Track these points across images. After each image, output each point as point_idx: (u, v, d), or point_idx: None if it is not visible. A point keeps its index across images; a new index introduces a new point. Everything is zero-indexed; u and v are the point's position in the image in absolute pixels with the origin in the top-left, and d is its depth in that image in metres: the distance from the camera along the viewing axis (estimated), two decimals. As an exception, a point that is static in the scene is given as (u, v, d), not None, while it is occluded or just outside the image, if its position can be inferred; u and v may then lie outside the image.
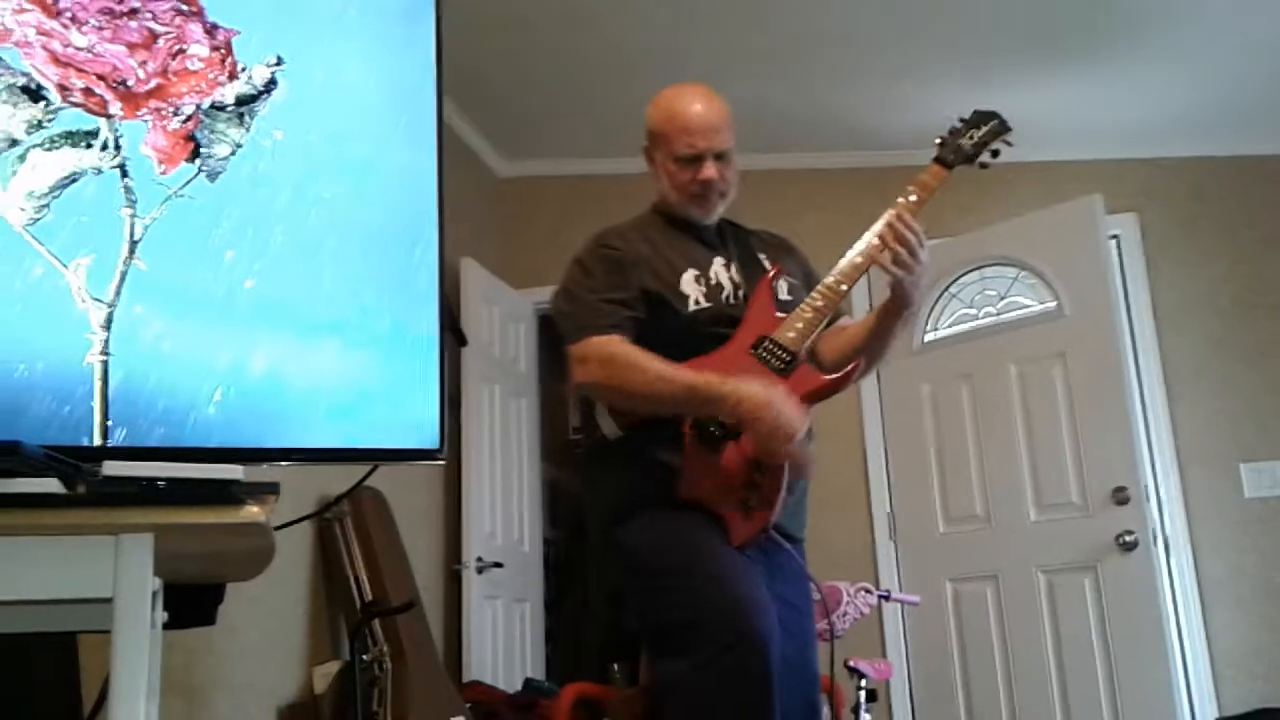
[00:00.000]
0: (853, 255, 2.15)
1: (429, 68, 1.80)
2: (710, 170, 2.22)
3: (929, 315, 4.47)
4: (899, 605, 4.12)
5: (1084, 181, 4.29)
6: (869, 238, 2.13)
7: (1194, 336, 4.35)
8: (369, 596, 3.17)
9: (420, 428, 1.65)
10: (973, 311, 4.42)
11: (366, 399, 1.62)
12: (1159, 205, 4.48)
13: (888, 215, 2.11)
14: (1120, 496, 3.86)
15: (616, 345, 2.11)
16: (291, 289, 1.58)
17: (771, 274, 2.25)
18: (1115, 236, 4.39)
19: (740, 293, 2.23)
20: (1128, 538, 3.81)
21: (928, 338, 4.48)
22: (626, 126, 4.44)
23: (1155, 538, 3.90)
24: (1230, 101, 4.18)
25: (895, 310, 2.15)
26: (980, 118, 2.29)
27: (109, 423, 1.39)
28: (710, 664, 1.92)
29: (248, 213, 1.54)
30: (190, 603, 1.61)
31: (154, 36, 1.43)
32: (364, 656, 3.04)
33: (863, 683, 3.42)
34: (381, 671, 3.06)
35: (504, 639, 4.24)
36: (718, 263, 2.27)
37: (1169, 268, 4.43)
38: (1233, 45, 3.82)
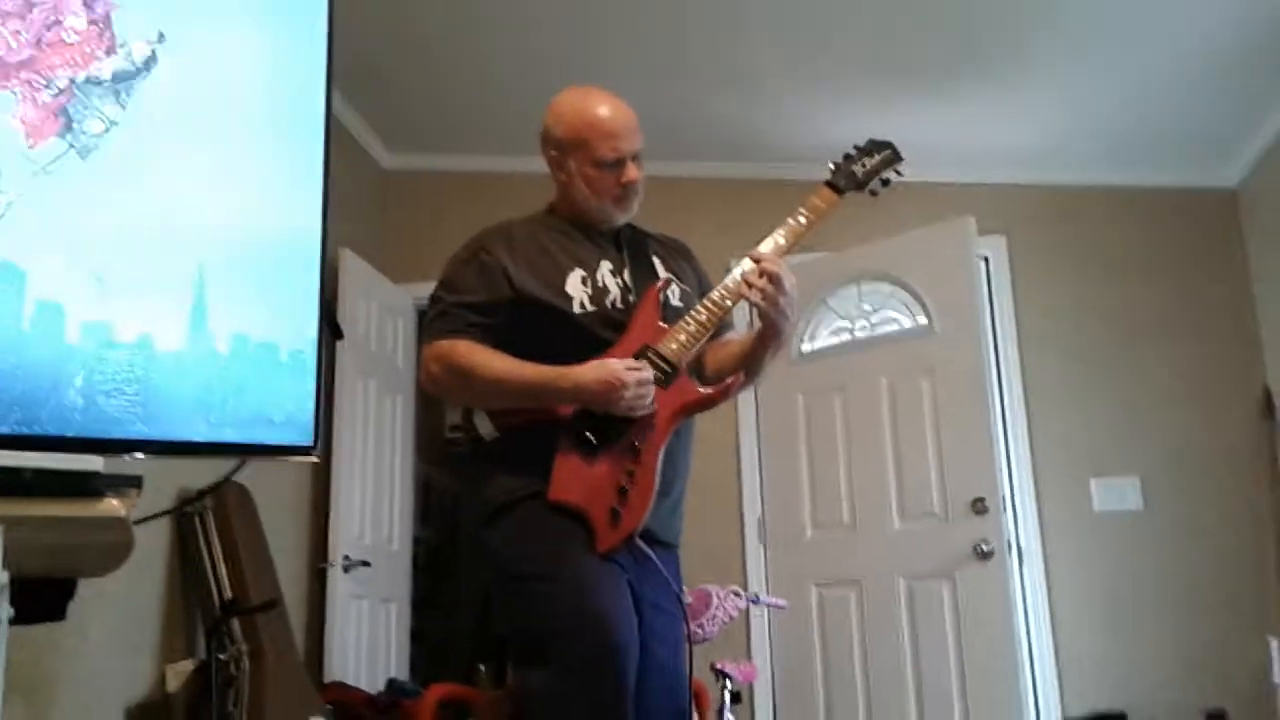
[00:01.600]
0: (737, 272, 2.18)
1: (319, 53, 1.76)
2: (634, 172, 2.22)
3: (806, 326, 4.56)
4: (766, 608, 4.19)
5: (958, 203, 4.44)
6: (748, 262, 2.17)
7: (1053, 356, 4.55)
8: (229, 594, 3.07)
9: (293, 422, 1.60)
10: (848, 325, 4.53)
11: (237, 390, 1.57)
12: (1026, 229, 4.67)
13: (750, 254, 2.14)
14: (979, 507, 4.00)
15: (460, 348, 2.12)
16: (161, 273, 1.51)
17: (661, 283, 2.26)
18: (985, 257, 4.56)
19: (630, 298, 2.23)
20: (984, 547, 3.95)
21: (804, 348, 4.57)
22: (517, 125, 4.43)
23: (1010, 547, 4.05)
24: (1097, 133, 4.39)
25: (765, 340, 2.20)
26: (874, 146, 2.34)
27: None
28: (567, 674, 1.93)
29: (119, 192, 1.48)
30: (38, 597, 1.53)
31: (29, 6, 1.35)
32: (221, 655, 2.94)
33: (728, 684, 3.48)
34: (239, 671, 2.96)
35: (368, 639, 4.16)
36: (605, 266, 2.26)
37: (1033, 289, 4.62)
38: (1102, 79, 4.01)
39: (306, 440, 1.62)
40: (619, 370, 2.04)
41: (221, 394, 1.54)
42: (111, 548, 1.34)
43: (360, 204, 4.73)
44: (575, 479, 2.04)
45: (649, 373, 2.07)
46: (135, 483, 1.28)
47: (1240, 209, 4.58)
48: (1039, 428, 4.49)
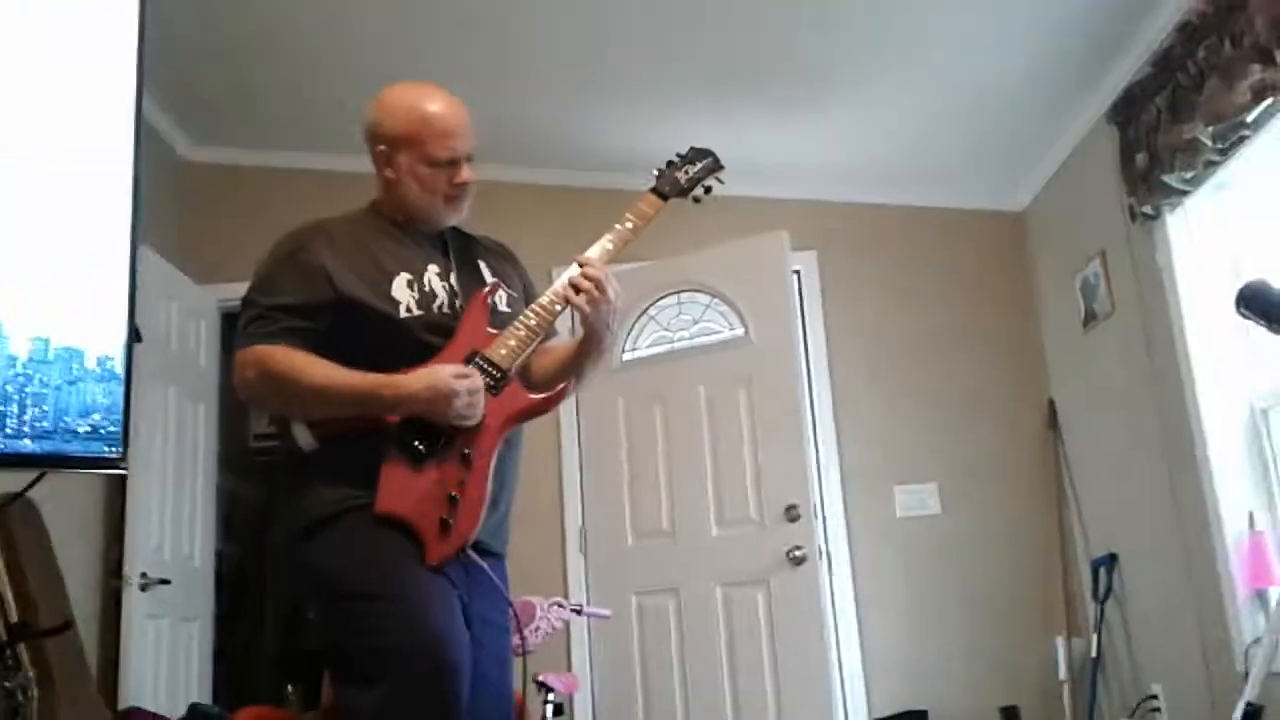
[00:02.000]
0: (564, 278, 2.17)
1: (128, 36, 1.64)
2: (469, 173, 2.18)
3: (628, 335, 4.60)
4: (588, 619, 4.19)
5: (772, 218, 4.57)
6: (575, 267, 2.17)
7: (859, 368, 4.74)
8: (14, 617, 2.83)
9: (100, 433, 1.49)
10: (669, 334, 4.60)
11: (36, 399, 1.45)
12: (835, 245, 4.86)
13: (577, 259, 2.15)
14: (792, 514, 4.12)
15: (278, 354, 2.03)
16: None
17: (489, 288, 2.22)
18: (797, 271, 4.71)
19: (456, 302, 2.18)
20: (797, 552, 4.08)
21: (626, 357, 4.61)
22: (329, 121, 4.32)
23: (820, 553, 4.20)
24: (900, 155, 4.62)
25: (587, 349, 2.21)
26: (696, 154, 2.38)
27: None
28: (399, 695, 1.86)
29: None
30: None
31: None
32: (6, 683, 2.71)
33: (550, 697, 3.46)
34: (26, 699, 2.73)
35: (168, 660, 3.93)
36: (432, 270, 2.21)
37: (841, 303, 4.81)
38: (906, 104, 4.22)
39: (114, 451, 1.51)
40: (448, 379, 1.99)
41: (19, 402, 1.41)
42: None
43: (159, 199, 4.47)
44: (403, 489, 1.98)
45: (479, 380, 2.03)
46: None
47: (1027, 231, 4.90)
48: (845, 436, 4.67)
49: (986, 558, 4.54)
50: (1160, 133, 3.55)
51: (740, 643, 4.15)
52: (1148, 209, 3.72)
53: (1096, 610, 4.25)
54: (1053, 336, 4.72)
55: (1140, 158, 3.70)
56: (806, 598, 4.06)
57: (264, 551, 5.77)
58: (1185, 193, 3.57)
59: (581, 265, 2.14)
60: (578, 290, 2.11)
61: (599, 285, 2.12)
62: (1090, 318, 4.33)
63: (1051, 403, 4.68)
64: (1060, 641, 4.35)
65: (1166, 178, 3.54)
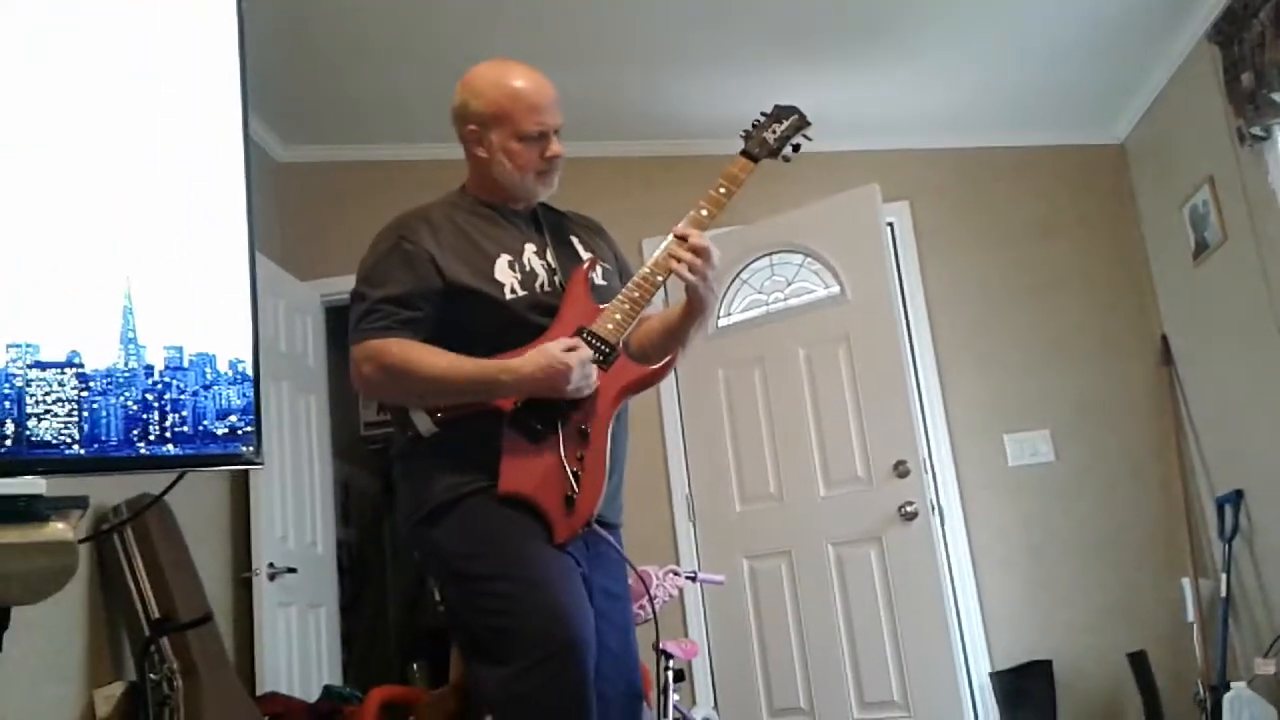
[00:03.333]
0: (663, 248, 2.17)
1: (228, 42, 1.68)
2: (559, 146, 2.19)
3: (722, 301, 4.58)
4: (701, 585, 4.21)
5: (862, 171, 4.50)
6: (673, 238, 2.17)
7: (961, 317, 4.65)
8: (155, 612, 2.96)
9: (237, 434, 1.54)
10: (763, 297, 4.57)
11: (175, 405, 1.50)
12: (928, 194, 4.76)
13: (675, 230, 2.14)
14: (901, 470, 4.08)
15: (394, 346, 2.06)
16: (87, 288, 1.44)
17: (588, 263, 2.24)
18: (890, 223, 4.63)
19: (556, 279, 2.20)
20: (908, 508, 4.04)
21: (721, 323, 4.59)
22: (413, 112, 4.39)
23: (932, 507, 4.15)
24: (996, 96, 4.48)
25: (689, 315, 2.21)
26: (782, 112, 2.35)
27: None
28: (529, 672, 1.90)
29: (39, 206, 1.40)
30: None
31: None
32: (153, 675, 2.84)
33: (670, 664, 3.49)
34: (172, 690, 2.86)
35: (299, 646, 4.07)
36: (529, 249, 2.23)
37: (938, 253, 4.72)
38: (998, 43, 4.10)
39: (250, 449, 1.56)
40: (559, 355, 2.01)
41: (159, 409, 1.47)
42: (55, 572, 1.27)
43: (259, 201, 4.56)
44: (524, 469, 2.01)
45: (587, 350, 2.05)
46: (80, 504, 1.22)
47: (1129, 163, 4.74)
48: (951, 388, 4.59)
49: (1105, 502, 4.43)
50: (1266, 49, 3.41)
51: (856, 602, 4.13)
52: (1257, 130, 3.58)
53: (1224, 549, 4.12)
54: (1162, 270, 4.57)
55: (1246, 77, 3.55)
56: (921, 553, 4.02)
57: (381, 536, 5.92)
58: (1297, 111, 3.42)
59: (679, 236, 2.14)
60: (680, 260, 2.11)
61: (699, 252, 2.11)
62: (1201, 248, 4.18)
63: (1164, 339, 4.54)
64: (1187, 583, 4.23)
65: (1276, 95, 3.39)
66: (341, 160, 4.93)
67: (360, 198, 4.59)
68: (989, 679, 4.28)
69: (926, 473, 4.19)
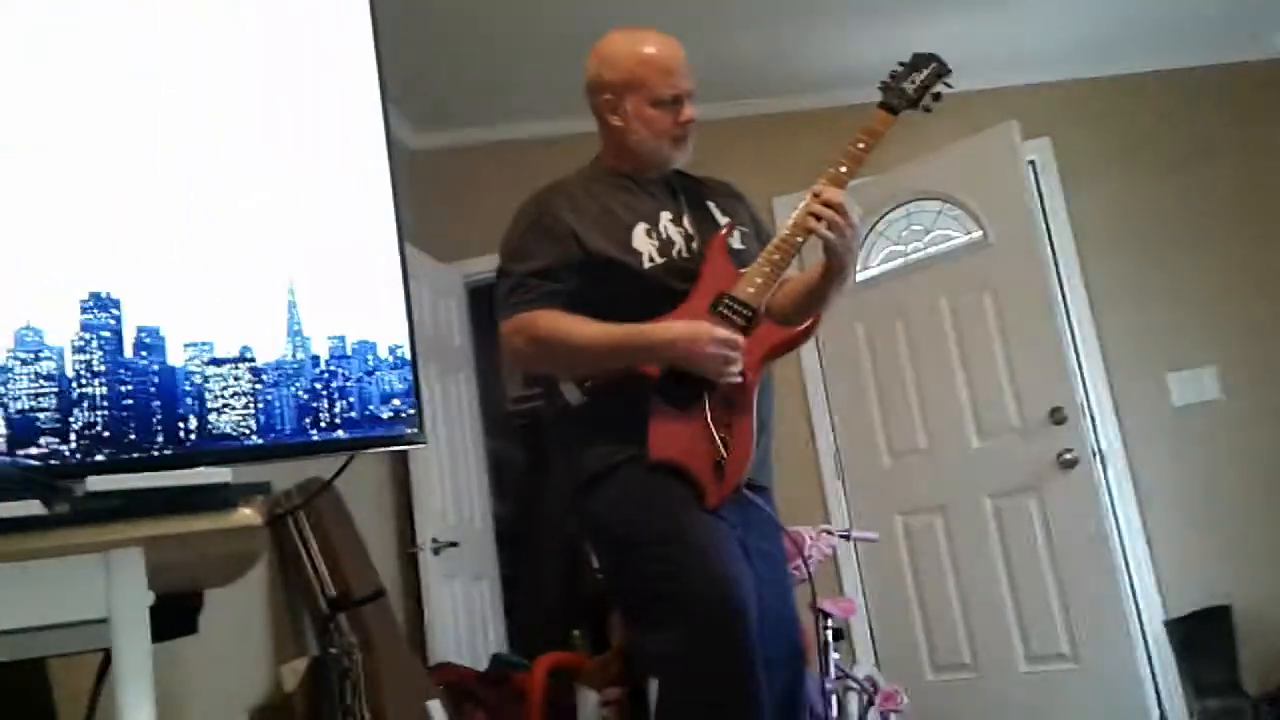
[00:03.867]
0: (803, 208, 2.15)
1: (364, 33, 1.72)
2: (692, 110, 2.20)
3: (860, 254, 4.50)
4: (854, 544, 4.18)
5: (997, 109, 4.34)
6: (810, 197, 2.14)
7: (1112, 255, 4.46)
8: (331, 590, 3.11)
9: (401, 417, 1.61)
10: (901, 248, 4.47)
11: (341, 392, 1.57)
12: (1070, 127, 4.56)
13: (811, 190, 2.11)
14: (1057, 416, 3.95)
15: (542, 319, 2.10)
16: (253, 283, 1.51)
17: (725, 228, 2.24)
18: (1031, 162, 4.47)
19: (694, 245, 2.21)
20: (1067, 456, 3.91)
21: (860, 277, 4.50)
22: (541, 89, 4.43)
23: (1094, 454, 4.00)
24: (1132, 21, 4.26)
25: (829, 274, 2.18)
26: (920, 60, 2.30)
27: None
28: (692, 637, 1.92)
29: (203, 205, 1.47)
30: (171, 613, 1.55)
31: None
32: (333, 650, 2.99)
33: (829, 623, 3.47)
34: (352, 663, 3.00)
35: (465, 618, 4.21)
36: (665, 217, 2.24)
37: (1084, 189, 4.52)
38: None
39: (410, 428, 1.63)
40: (707, 325, 2.04)
41: (328, 397, 1.54)
42: (243, 555, 1.35)
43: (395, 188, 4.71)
44: (674, 436, 2.03)
45: (739, 338, 2.04)
46: (263, 489, 1.29)
47: (1288, 79, 4.45)
48: (1107, 329, 4.41)
49: (1279, 438, 4.20)
50: None
51: (1017, 554, 4.03)
52: None
53: None
54: (1335, 190, 4.28)
55: None
56: (1083, 501, 3.89)
57: (533, 507, 6.05)
58: None
59: (817, 194, 2.11)
60: (819, 219, 2.08)
61: (839, 209, 2.08)
62: (1376, 163, 3.90)
63: (1340, 263, 4.26)
64: (1376, 520, 3.99)
65: None
66: (472, 143, 5.01)
67: (493, 178, 4.66)
68: (1163, 627, 4.13)
69: (1085, 418, 4.05)
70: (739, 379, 2.03)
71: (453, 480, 4.33)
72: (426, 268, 4.55)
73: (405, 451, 4.05)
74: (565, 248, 2.15)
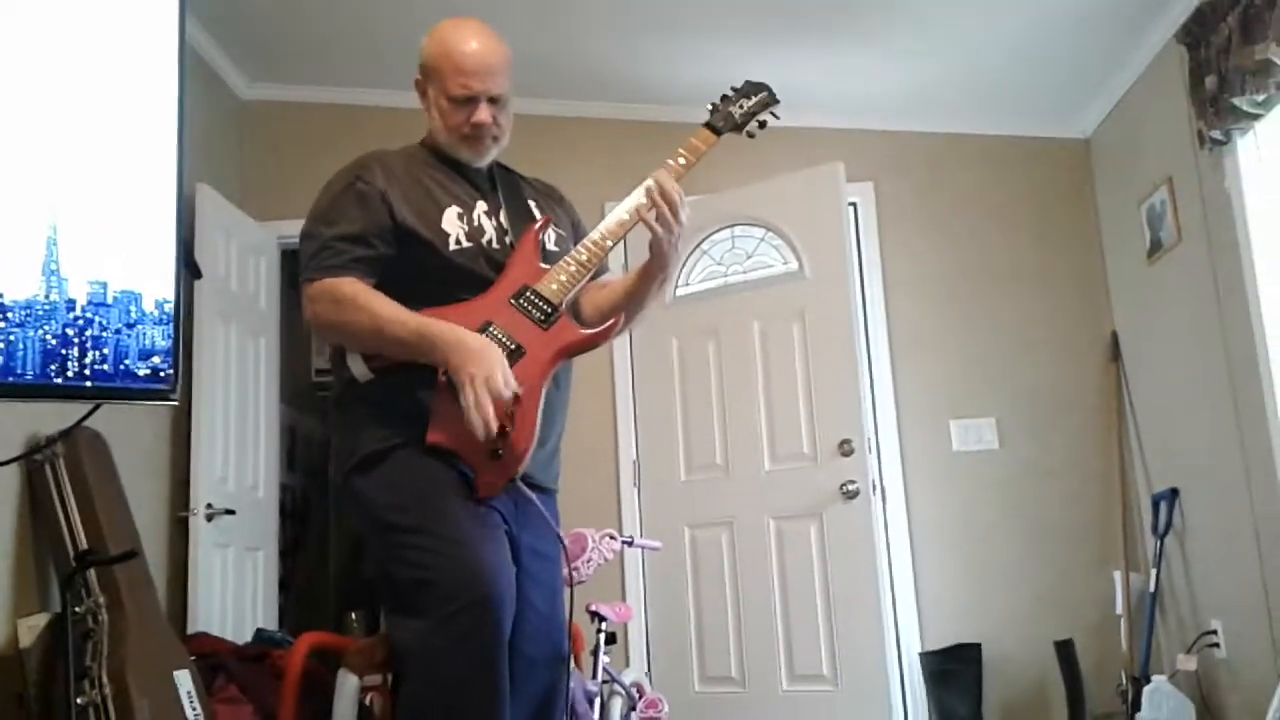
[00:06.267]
0: (619, 212, 2.17)
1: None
2: (484, 114, 2.16)
3: (681, 270, 4.58)
4: (641, 550, 4.23)
5: (828, 149, 4.50)
6: (635, 197, 2.16)
7: (916, 301, 4.68)
8: (84, 544, 2.94)
9: (159, 375, 1.52)
10: (722, 269, 4.57)
11: (95, 341, 1.48)
12: (892, 176, 4.77)
13: (653, 177, 2.14)
14: (845, 449, 4.11)
15: (346, 286, 2.05)
16: (8, 218, 1.41)
17: (540, 224, 2.23)
18: (853, 203, 4.64)
19: (506, 239, 2.19)
20: (850, 486, 4.08)
21: (679, 292, 4.59)
22: (391, 57, 4.31)
23: (874, 487, 4.19)
24: (966, 83, 4.48)
25: (652, 272, 2.20)
26: (751, 88, 2.36)
27: None
28: (444, 626, 1.90)
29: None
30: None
31: None
32: (77, 608, 2.82)
33: (603, 625, 3.51)
34: (96, 624, 2.84)
35: (234, 589, 4.05)
36: (481, 207, 2.22)
37: (898, 236, 4.73)
38: (966, 30, 4.09)
39: (165, 384, 1.54)
40: (493, 363, 1.95)
41: (79, 345, 1.45)
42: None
43: (217, 137, 4.52)
44: (453, 421, 1.99)
45: (512, 393, 1.96)
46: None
47: (1092, 159, 4.77)
48: (901, 371, 4.63)
49: (1044, 492, 4.49)
50: (1231, 53, 3.42)
51: (793, 575, 4.18)
52: (1217, 134, 3.60)
53: (1156, 545, 4.20)
54: (1117, 267, 4.61)
55: (1210, 80, 3.57)
56: (859, 531, 4.07)
57: (325, 483, 5.90)
58: (1256, 116, 3.45)
59: (656, 181, 2.12)
60: (651, 207, 2.09)
61: (674, 208, 2.11)
62: (1156, 247, 4.22)
63: (1115, 335, 4.59)
64: (1118, 576, 4.31)
65: (1237, 100, 3.41)
66: (308, 101, 4.86)
67: (325, 141, 4.53)
68: (918, 658, 4.35)
69: (871, 453, 4.23)
70: (479, 430, 1.92)
71: (238, 447, 4.16)
72: (239, 223, 4.37)
73: (187, 411, 3.87)
74: (377, 213, 2.11)
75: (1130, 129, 4.42)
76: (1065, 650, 4.20)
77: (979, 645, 4.31)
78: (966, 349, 4.64)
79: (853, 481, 4.08)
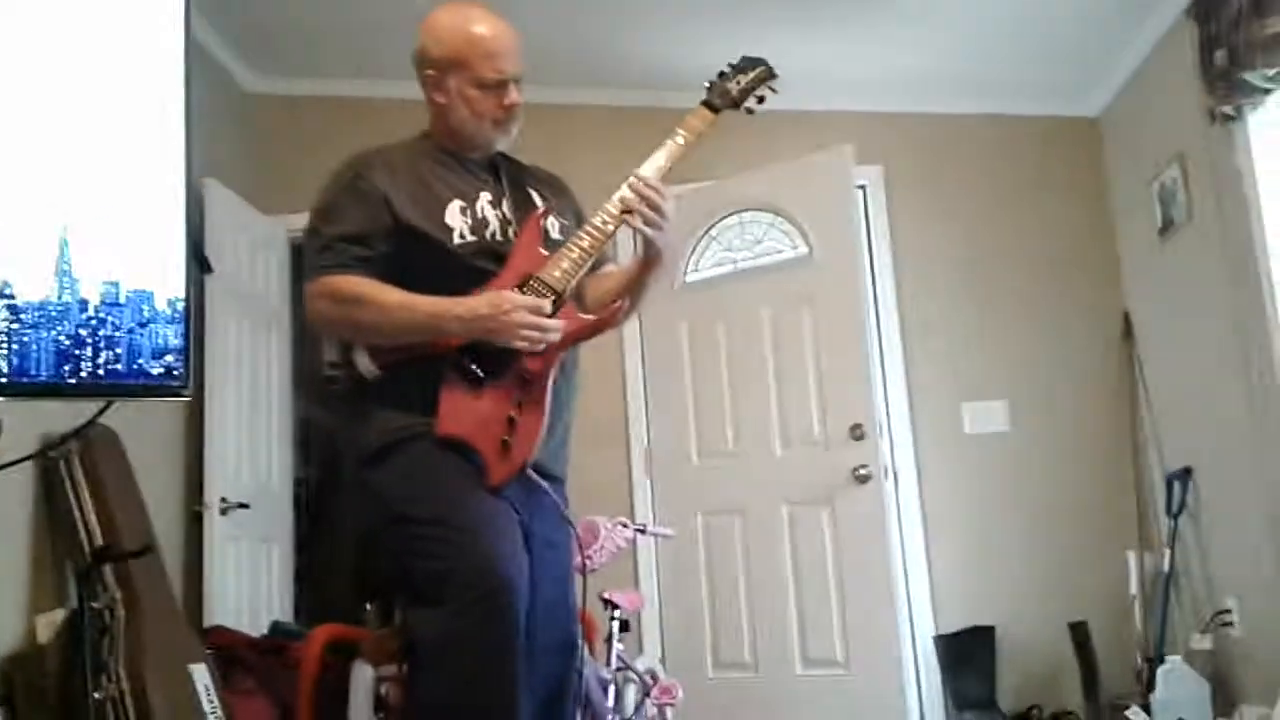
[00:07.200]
0: (617, 197, 2.16)
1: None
2: (517, 94, 2.17)
3: (691, 255, 4.57)
4: (653, 538, 4.23)
5: (837, 132, 4.47)
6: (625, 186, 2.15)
7: (926, 284, 4.66)
8: (99, 541, 2.95)
9: (173, 374, 1.53)
10: (731, 254, 4.56)
11: (109, 341, 1.48)
12: (901, 158, 4.74)
13: (634, 174, 2.13)
14: (857, 433, 4.11)
15: (347, 282, 2.06)
16: (20, 218, 1.41)
17: (542, 211, 2.22)
18: (862, 186, 4.62)
19: (509, 230, 2.19)
20: (862, 471, 4.07)
21: (689, 278, 4.58)
22: (386, 48, 4.29)
23: (886, 471, 4.18)
24: (976, 62, 4.44)
25: (647, 264, 2.20)
26: (747, 63, 2.33)
27: None
28: (459, 615, 1.91)
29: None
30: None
31: None
32: (94, 603, 2.84)
33: (615, 613, 3.52)
34: (113, 618, 2.86)
35: (249, 582, 4.07)
36: (484, 197, 2.22)
37: (908, 218, 4.71)
38: (980, 8, 4.05)
39: (177, 380, 1.54)
40: (513, 294, 2.02)
41: (92, 345, 1.45)
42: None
43: (224, 132, 4.51)
44: (463, 412, 2.01)
45: (546, 304, 2.03)
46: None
47: (1103, 137, 4.73)
48: (912, 355, 4.61)
49: (1057, 473, 4.48)
50: (1241, 27, 3.39)
51: (805, 560, 4.18)
52: (1227, 109, 3.58)
53: (1170, 524, 4.19)
54: (1129, 246, 4.59)
55: (1220, 55, 3.54)
56: (871, 516, 4.06)
57: (338, 476, 5.91)
58: (1267, 91, 3.42)
59: (633, 183, 2.12)
60: (630, 211, 2.09)
61: (651, 202, 2.10)
62: (1168, 225, 4.19)
63: (1127, 315, 4.57)
64: (1132, 556, 4.30)
65: (1247, 75, 3.39)
66: (314, 94, 4.84)
67: (332, 133, 4.47)
68: (932, 642, 4.35)
69: (882, 437, 4.22)
70: (552, 341, 2.00)
71: (250, 440, 4.18)
72: (247, 217, 4.38)
73: (200, 406, 3.88)
74: (377, 214, 2.11)
75: (1140, 106, 4.39)
76: (1079, 632, 4.20)
77: (993, 628, 4.31)
78: (977, 331, 4.62)
79: (865, 465, 4.07)
